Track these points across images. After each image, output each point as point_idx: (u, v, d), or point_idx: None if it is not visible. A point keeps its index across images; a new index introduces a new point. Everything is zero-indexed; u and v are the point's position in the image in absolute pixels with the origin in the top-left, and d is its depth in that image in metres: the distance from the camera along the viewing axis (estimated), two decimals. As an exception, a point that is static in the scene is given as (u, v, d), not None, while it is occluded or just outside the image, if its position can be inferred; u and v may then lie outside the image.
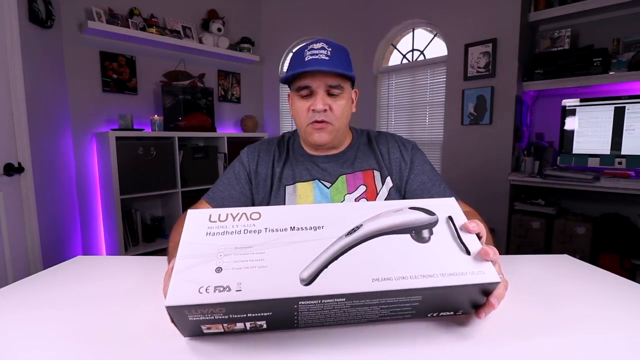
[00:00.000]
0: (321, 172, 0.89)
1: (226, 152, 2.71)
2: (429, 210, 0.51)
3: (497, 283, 0.44)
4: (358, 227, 0.49)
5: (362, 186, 0.87)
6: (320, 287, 0.42)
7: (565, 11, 2.20)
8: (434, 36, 2.93)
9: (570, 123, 2.27)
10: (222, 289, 0.41)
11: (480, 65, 2.51)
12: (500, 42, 2.40)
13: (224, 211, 0.50)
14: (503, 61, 2.40)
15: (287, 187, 0.88)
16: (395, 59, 3.24)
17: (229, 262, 0.44)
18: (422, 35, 3.04)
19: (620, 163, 2.10)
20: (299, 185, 0.88)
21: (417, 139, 3.04)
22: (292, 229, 0.48)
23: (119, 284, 0.65)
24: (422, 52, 3.04)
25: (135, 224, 2.38)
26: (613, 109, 2.11)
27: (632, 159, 2.07)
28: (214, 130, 2.75)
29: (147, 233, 2.45)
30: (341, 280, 0.43)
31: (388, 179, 0.88)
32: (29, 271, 1.69)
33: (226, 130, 3.06)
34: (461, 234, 0.49)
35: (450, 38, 2.69)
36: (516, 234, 2.37)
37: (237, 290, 0.41)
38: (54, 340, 0.46)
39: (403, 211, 0.51)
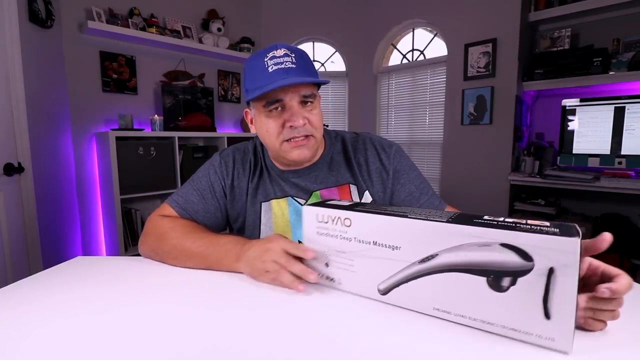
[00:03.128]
0: (294, 189, 0.83)
1: (226, 152, 2.71)
2: (525, 253, 0.41)
3: (565, 353, 0.41)
4: (432, 257, 0.48)
5: None
6: (392, 299, 0.53)
7: (565, 11, 2.20)
8: (434, 36, 2.93)
9: (570, 123, 2.27)
10: (331, 279, 0.60)
11: (480, 65, 2.51)
12: (500, 42, 2.40)
13: (325, 212, 0.58)
14: (503, 61, 2.40)
15: (262, 204, 0.83)
16: (395, 59, 3.24)
17: (333, 261, 0.59)
18: (422, 35, 3.04)
19: (620, 163, 2.10)
20: (274, 202, 0.83)
21: (417, 139, 3.04)
22: (374, 243, 0.54)
23: (119, 285, 0.65)
24: (422, 52, 3.04)
25: (135, 224, 2.38)
26: (613, 109, 2.11)
27: (632, 159, 2.07)
28: (214, 130, 2.75)
29: (147, 233, 2.45)
30: (409, 298, 0.52)
31: (366, 193, 0.82)
32: (29, 271, 1.69)
33: (226, 130, 3.06)
34: (552, 295, 0.40)
35: (450, 38, 2.69)
36: (516, 234, 2.37)
37: (338, 283, 0.59)
38: (53, 340, 0.46)
39: (490, 248, 0.43)
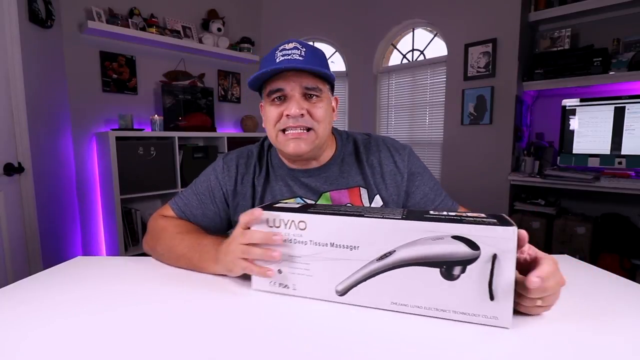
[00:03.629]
0: (303, 189, 0.81)
1: (226, 152, 2.71)
2: (473, 243, 0.47)
3: (506, 328, 0.47)
4: (390, 253, 0.50)
5: (348, 204, 0.80)
6: (350, 299, 0.54)
7: (565, 11, 2.21)
8: (434, 36, 2.94)
9: (570, 123, 2.27)
10: (284, 285, 0.58)
11: (480, 65, 2.51)
12: (500, 42, 2.40)
13: (277, 216, 0.56)
14: (503, 61, 2.40)
15: None
16: (395, 59, 3.24)
17: (286, 267, 0.57)
18: (422, 35, 3.04)
19: (620, 163, 2.10)
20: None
21: (417, 139, 3.04)
22: (332, 245, 0.53)
23: (119, 285, 0.65)
24: (422, 52, 3.04)
25: (135, 224, 2.38)
26: (613, 109, 2.11)
27: (632, 159, 2.07)
28: (214, 130, 2.75)
29: (147, 233, 2.45)
30: (367, 296, 0.53)
31: (377, 197, 0.80)
32: (29, 271, 1.69)
33: (226, 130, 3.06)
34: (495, 279, 0.46)
35: (450, 38, 2.69)
36: (516, 234, 2.36)
37: (293, 289, 0.57)
38: (53, 340, 0.46)
39: (443, 240, 0.48)
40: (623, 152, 2.10)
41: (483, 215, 0.52)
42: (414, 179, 0.82)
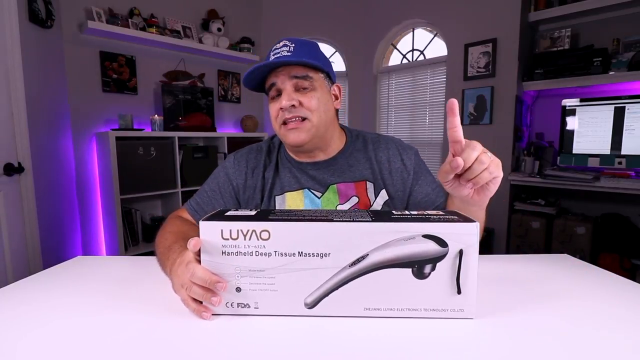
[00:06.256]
0: (310, 181, 0.83)
1: (226, 152, 2.71)
2: (442, 241, 0.48)
3: (471, 318, 0.50)
4: (363, 257, 0.49)
5: (354, 197, 0.81)
6: (321, 310, 0.51)
7: (565, 11, 2.20)
8: (434, 36, 2.94)
9: (570, 123, 2.27)
10: (243, 305, 0.52)
11: (480, 65, 2.51)
12: (500, 42, 2.40)
13: (234, 226, 0.50)
14: (503, 61, 2.40)
15: (276, 197, 0.83)
16: (395, 59, 3.24)
17: (246, 284, 0.51)
18: (422, 35, 3.04)
19: (620, 163, 2.10)
20: (287, 195, 0.82)
21: (417, 139, 3.04)
22: (300, 254, 0.50)
23: (119, 284, 0.65)
24: (422, 52, 3.04)
25: (135, 224, 2.38)
26: (613, 109, 2.11)
27: (632, 159, 2.07)
28: (214, 130, 2.75)
29: (147, 233, 2.45)
30: (339, 305, 0.51)
31: (383, 191, 0.82)
32: (29, 271, 1.69)
33: (226, 130, 3.06)
34: (462, 273, 0.48)
35: (450, 38, 2.69)
36: (516, 234, 2.37)
37: (255, 308, 0.52)
38: (53, 340, 0.46)
39: (415, 240, 0.48)
40: (623, 152, 2.09)
41: (441, 212, 0.53)
42: (417, 177, 0.84)
